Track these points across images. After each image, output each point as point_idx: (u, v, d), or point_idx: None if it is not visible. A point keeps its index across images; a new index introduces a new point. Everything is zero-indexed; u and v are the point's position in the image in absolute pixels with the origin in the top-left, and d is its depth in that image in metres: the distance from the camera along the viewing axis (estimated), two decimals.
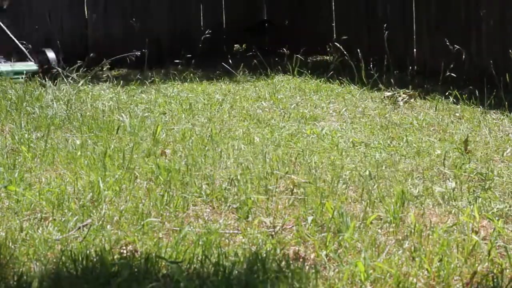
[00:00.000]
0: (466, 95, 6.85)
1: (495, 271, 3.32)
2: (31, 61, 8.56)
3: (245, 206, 4.07)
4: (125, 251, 3.54)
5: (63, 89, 7.71)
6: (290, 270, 3.26)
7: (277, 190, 4.37)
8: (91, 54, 9.48)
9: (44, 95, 7.09)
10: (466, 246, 3.56)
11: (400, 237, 3.70)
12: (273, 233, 3.76)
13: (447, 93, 7.04)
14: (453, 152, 5.16)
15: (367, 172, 4.71)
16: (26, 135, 5.65)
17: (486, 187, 4.44)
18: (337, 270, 3.32)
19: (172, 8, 10.45)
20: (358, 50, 8.26)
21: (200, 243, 3.53)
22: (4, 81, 7.53)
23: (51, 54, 8.48)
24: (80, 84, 7.92)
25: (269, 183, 4.46)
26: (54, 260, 3.39)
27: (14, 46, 8.95)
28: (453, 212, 4.05)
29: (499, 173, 4.70)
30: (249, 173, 4.70)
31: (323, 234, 3.68)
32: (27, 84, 7.46)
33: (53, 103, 6.84)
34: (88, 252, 3.41)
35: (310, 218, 3.86)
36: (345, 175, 4.64)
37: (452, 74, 7.48)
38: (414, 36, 8.63)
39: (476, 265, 3.36)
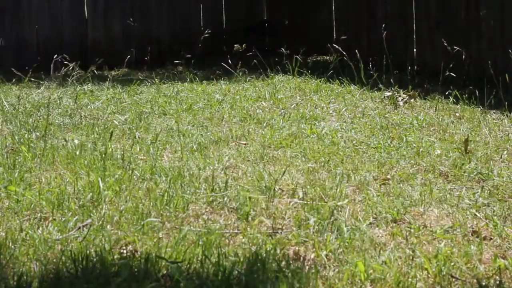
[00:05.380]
0: (466, 95, 6.85)
1: (495, 271, 3.32)
2: None
3: (245, 206, 4.07)
4: (125, 251, 3.54)
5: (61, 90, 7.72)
6: (290, 270, 3.26)
7: (277, 190, 4.37)
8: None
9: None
10: (466, 246, 3.57)
11: (400, 237, 3.70)
12: (273, 233, 3.76)
13: (447, 93, 7.04)
14: (453, 152, 5.16)
15: (368, 172, 4.71)
16: (26, 135, 5.65)
17: (486, 187, 4.44)
18: (337, 270, 3.32)
19: (172, 8, 10.45)
20: (358, 50, 8.26)
21: (200, 243, 3.53)
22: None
23: None
24: (79, 84, 7.93)
25: (269, 183, 4.46)
26: (54, 260, 3.39)
27: None
28: (453, 212, 4.06)
29: (499, 173, 4.70)
30: (249, 173, 4.70)
31: (323, 234, 3.68)
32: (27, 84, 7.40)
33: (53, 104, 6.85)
34: (88, 252, 3.41)
35: (310, 218, 3.86)
36: (345, 175, 4.64)
37: (452, 74, 7.48)
38: (414, 36, 8.63)
39: (476, 265, 3.36)
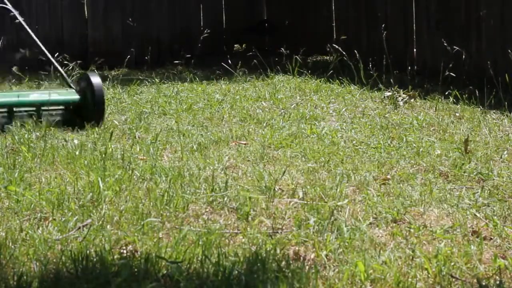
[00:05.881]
0: (466, 95, 6.85)
1: (495, 271, 3.32)
2: (71, 87, 6.43)
3: (245, 206, 4.07)
4: (125, 251, 3.54)
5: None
6: (290, 270, 3.26)
7: (277, 190, 4.37)
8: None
9: None
10: (466, 246, 3.56)
11: (400, 237, 3.70)
12: (273, 233, 3.76)
13: (447, 93, 7.04)
14: (453, 152, 5.16)
15: (368, 172, 4.71)
16: (26, 135, 5.65)
17: (486, 187, 4.44)
18: (337, 270, 3.32)
19: (172, 8, 10.45)
20: (358, 50, 8.26)
21: (200, 243, 3.53)
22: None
23: (96, 80, 6.17)
24: None
25: (269, 183, 4.46)
26: (54, 260, 3.39)
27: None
28: (453, 212, 4.06)
29: (499, 173, 4.70)
30: (249, 173, 4.70)
31: (323, 234, 3.68)
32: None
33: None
34: (88, 252, 3.41)
35: (310, 218, 3.86)
36: (345, 175, 4.64)
37: (452, 74, 7.49)
38: (414, 36, 8.63)
39: (476, 265, 3.36)
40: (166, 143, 5.54)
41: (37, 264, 3.34)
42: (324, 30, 9.94)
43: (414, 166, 4.90)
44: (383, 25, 8.60)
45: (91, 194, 4.22)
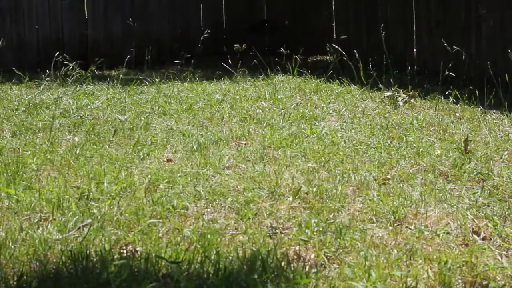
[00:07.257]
0: (466, 95, 6.85)
1: (495, 271, 3.32)
2: None
3: (245, 206, 4.07)
4: (125, 251, 3.54)
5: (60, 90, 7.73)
6: (290, 270, 3.26)
7: (277, 190, 4.37)
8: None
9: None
10: (466, 246, 3.56)
11: (400, 238, 3.70)
12: (273, 233, 3.76)
13: (447, 93, 7.04)
14: (453, 152, 5.16)
15: (368, 172, 4.71)
16: (26, 135, 5.65)
17: (486, 187, 4.44)
18: (337, 270, 3.32)
19: (172, 8, 10.45)
20: (358, 50, 8.25)
21: (200, 243, 3.53)
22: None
23: None
24: (79, 84, 7.93)
25: (270, 183, 4.46)
26: (54, 260, 3.39)
27: None
28: (453, 212, 4.05)
29: (499, 173, 4.70)
30: (249, 173, 4.70)
31: (323, 235, 3.68)
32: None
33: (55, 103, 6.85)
34: (88, 252, 3.41)
35: (310, 218, 3.86)
36: (345, 175, 4.64)
37: (452, 74, 7.48)
38: (414, 36, 8.63)
39: (477, 265, 3.36)
40: (166, 143, 5.54)
41: (37, 264, 3.34)
42: (324, 30, 9.93)
43: (414, 166, 4.90)
44: (383, 25, 8.60)
45: (91, 194, 4.22)
